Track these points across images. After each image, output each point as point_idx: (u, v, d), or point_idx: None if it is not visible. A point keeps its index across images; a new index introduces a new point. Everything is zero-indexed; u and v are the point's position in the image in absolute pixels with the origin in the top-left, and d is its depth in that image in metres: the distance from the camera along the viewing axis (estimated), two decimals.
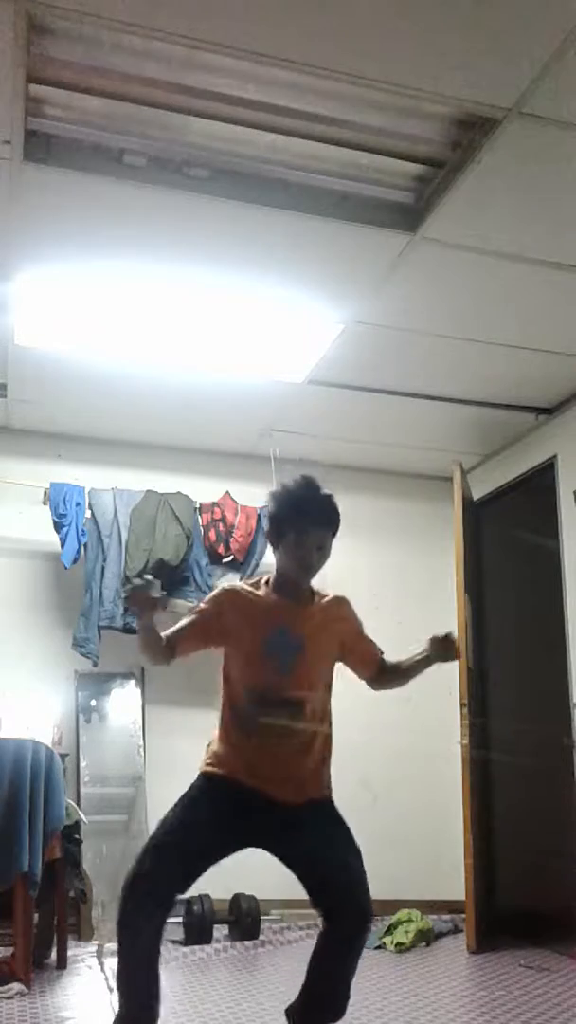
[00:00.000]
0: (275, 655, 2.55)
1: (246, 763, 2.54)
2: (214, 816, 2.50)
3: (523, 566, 5.34)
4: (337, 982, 2.47)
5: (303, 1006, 2.52)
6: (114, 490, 5.14)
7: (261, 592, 2.66)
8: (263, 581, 2.70)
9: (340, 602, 2.73)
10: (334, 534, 2.64)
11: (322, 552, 2.61)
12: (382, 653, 2.77)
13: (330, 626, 2.67)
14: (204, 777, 2.59)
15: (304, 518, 2.57)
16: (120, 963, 2.44)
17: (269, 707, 2.53)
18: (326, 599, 2.71)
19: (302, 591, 2.66)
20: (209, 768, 2.60)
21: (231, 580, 5.13)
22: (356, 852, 2.50)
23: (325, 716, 2.65)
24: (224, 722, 2.63)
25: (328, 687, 2.68)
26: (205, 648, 2.65)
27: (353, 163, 3.05)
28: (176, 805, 2.55)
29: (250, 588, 2.69)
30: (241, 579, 5.11)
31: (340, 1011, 2.49)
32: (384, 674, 2.76)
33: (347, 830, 2.54)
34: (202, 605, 2.70)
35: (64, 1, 2.37)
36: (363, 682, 2.77)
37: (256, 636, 2.57)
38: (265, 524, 2.69)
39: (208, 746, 2.66)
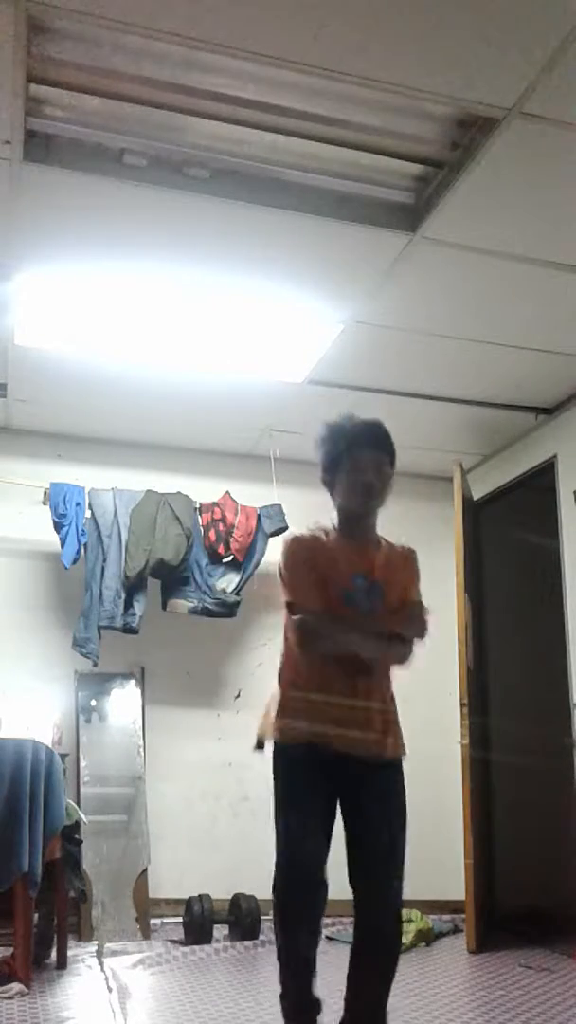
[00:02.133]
0: (358, 602, 2.50)
1: (325, 717, 2.46)
2: (315, 791, 2.47)
3: (523, 566, 5.34)
4: (363, 996, 2.47)
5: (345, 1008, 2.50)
6: (114, 490, 5.14)
7: (332, 537, 2.57)
8: (328, 528, 2.61)
9: (407, 553, 2.67)
10: (392, 460, 2.58)
11: (384, 477, 2.56)
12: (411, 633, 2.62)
13: (397, 572, 2.61)
14: (285, 750, 2.51)
15: (360, 442, 2.54)
16: (283, 960, 2.47)
17: (352, 656, 2.46)
18: (394, 545, 2.66)
19: (370, 531, 2.60)
20: (287, 738, 2.51)
21: (231, 580, 5.14)
22: (399, 849, 2.47)
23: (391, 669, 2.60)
24: (298, 679, 2.53)
25: None
26: None
27: (353, 163, 3.05)
28: (280, 793, 2.50)
29: (318, 534, 2.59)
30: (242, 579, 5.12)
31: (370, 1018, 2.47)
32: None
33: (402, 814, 2.50)
34: (291, 568, 2.55)
35: (64, 1, 2.37)
36: None
37: (337, 584, 2.50)
38: (320, 463, 2.62)
39: (272, 710, 2.58)
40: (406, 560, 2.65)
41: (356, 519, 2.58)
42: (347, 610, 2.48)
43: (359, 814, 2.50)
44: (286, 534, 2.70)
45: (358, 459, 2.53)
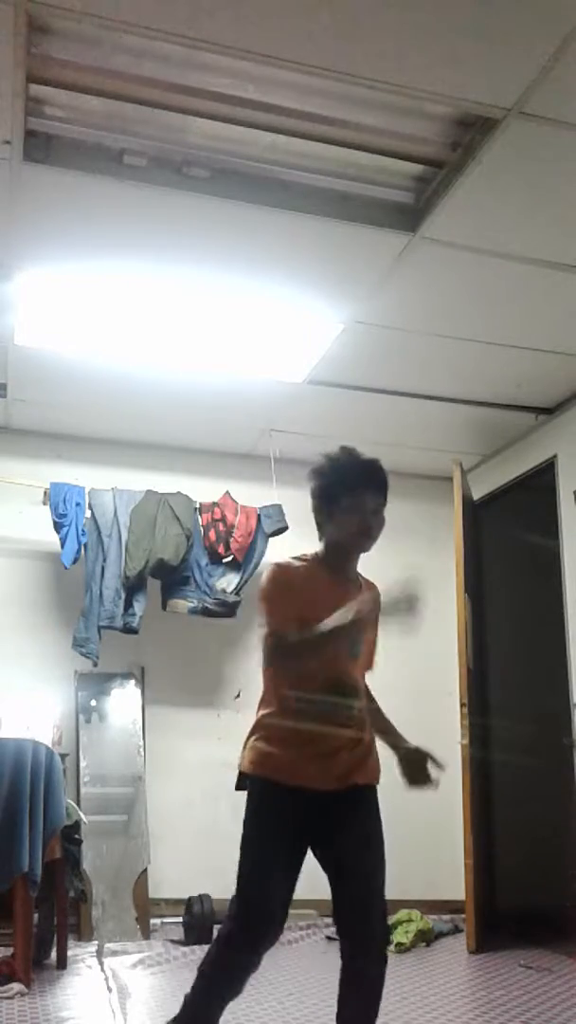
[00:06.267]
0: (346, 639, 2.39)
1: (307, 757, 2.37)
2: (287, 843, 2.39)
3: (523, 566, 5.34)
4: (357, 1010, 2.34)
5: None
6: (114, 490, 5.14)
7: (316, 571, 2.47)
8: (311, 558, 2.51)
9: (377, 591, 2.51)
10: (386, 501, 2.53)
11: (379, 518, 2.49)
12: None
13: (373, 609, 2.45)
14: (263, 786, 2.43)
15: (360, 482, 2.46)
16: (202, 997, 2.40)
17: (340, 694, 2.39)
18: (367, 580, 2.57)
19: (353, 569, 2.54)
20: (265, 773, 2.42)
21: (231, 580, 5.14)
22: (379, 875, 2.40)
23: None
24: (279, 714, 2.43)
25: None
26: None
27: (353, 163, 3.06)
28: (251, 829, 2.42)
29: (304, 565, 2.49)
30: (242, 579, 5.11)
31: None
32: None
33: (379, 836, 2.43)
34: (278, 587, 2.42)
35: (64, 1, 2.37)
36: None
37: (318, 618, 2.34)
38: (316, 495, 2.54)
39: (252, 741, 2.48)
40: (376, 599, 2.48)
41: (346, 557, 2.51)
42: (331, 651, 2.40)
43: (340, 848, 2.41)
44: (272, 562, 2.61)
45: (361, 500, 2.45)
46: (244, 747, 2.51)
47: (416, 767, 2.50)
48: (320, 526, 2.55)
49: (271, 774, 2.41)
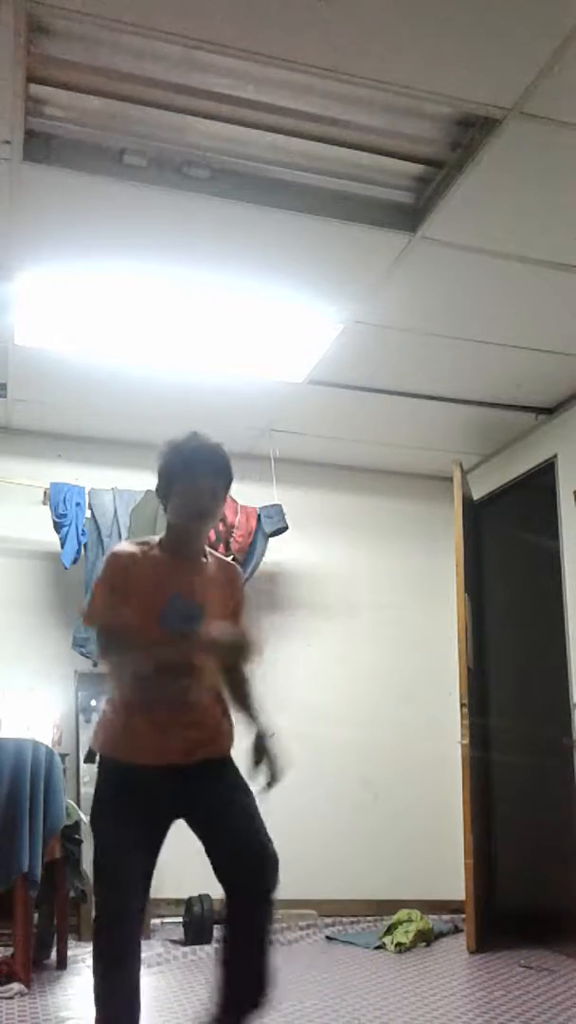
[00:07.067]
0: (172, 620, 2.44)
1: (143, 736, 2.43)
2: (136, 817, 2.41)
3: (523, 566, 5.34)
4: (247, 965, 2.37)
5: (220, 1000, 2.38)
6: (114, 490, 5.14)
7: (153, 553, 2.54)
8: (154, 542, 2.58)
9: (233, 568, 2.70)
10: (227, 485, 2.58)
11: (215, 500, 2.55)
12: None
13: (223, 587, 2.60)
14: (105, 767, 2.49)
15: (193, 465, 2.51)
16: (100, 1001, 2.34)
17: (168, 673, 2.41)
18: (218, 559, 2.66)
19: (194, 550, 2.57)
20: (106, 752, 2.50)
21: None
22: (257, 819, 2.45)
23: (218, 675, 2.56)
24: (117, 694, 2.51)
25: None
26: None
27: (353, 163, 3.06)
28: (96, 816, 2.47)
29: (141, 549, 2.55)
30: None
31: (258, 998, 2.36)
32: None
33: (247, 794, 2.47)
34: (105, 575, 2.53)
35: (64, 1, 2.37)
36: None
37: (151, 601, 2.45)
38: (157, 477, 2.60)
39: (99, 721, 2.57)
40: (231, 574, 2.66)
41: (184, 538, 2.57)
42: (160, 630, 2.44)
43: (202, 821, 2.49)
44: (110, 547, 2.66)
45: (192, 482, 2.51)
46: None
47: (256, 754, 2.54)
48: (164, 505, 2.62)
49: (112, 753, 2.48)
